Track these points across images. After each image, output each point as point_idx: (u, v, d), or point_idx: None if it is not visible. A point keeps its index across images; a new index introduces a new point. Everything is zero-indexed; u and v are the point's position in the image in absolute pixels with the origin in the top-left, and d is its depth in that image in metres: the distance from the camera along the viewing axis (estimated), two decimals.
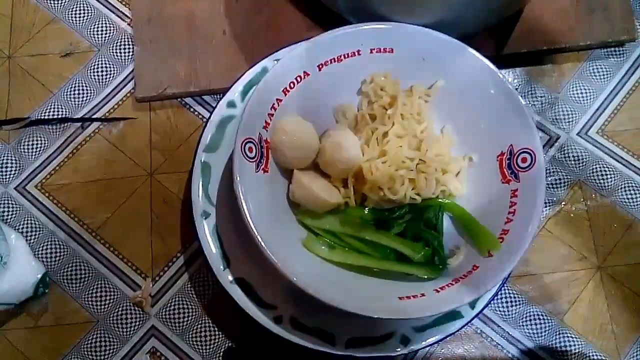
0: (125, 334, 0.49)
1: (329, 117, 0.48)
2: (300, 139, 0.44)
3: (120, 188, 0.53)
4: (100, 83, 0.56)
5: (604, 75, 0.57)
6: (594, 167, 0.54)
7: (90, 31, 0.57)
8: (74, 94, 0.55)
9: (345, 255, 0.44)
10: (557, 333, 0.50)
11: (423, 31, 0.45)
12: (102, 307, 0.50)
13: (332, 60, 0.46)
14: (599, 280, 0.51)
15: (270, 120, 0.44)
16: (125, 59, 0.56)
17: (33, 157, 0.53)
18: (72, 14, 0.58)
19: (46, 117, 0.54)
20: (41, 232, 0.52)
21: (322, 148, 0.45)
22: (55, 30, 0.57)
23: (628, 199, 0.53)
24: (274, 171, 0.45)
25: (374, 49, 0.46)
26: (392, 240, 0.44)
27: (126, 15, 0.58)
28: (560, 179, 0.54)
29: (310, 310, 0.44)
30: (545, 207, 0.53)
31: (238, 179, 0.41)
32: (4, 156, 0.53)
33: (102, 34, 0.57)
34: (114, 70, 0.56)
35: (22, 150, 0.54)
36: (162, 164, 0.53)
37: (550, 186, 0.54)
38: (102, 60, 0.56)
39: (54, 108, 0.55)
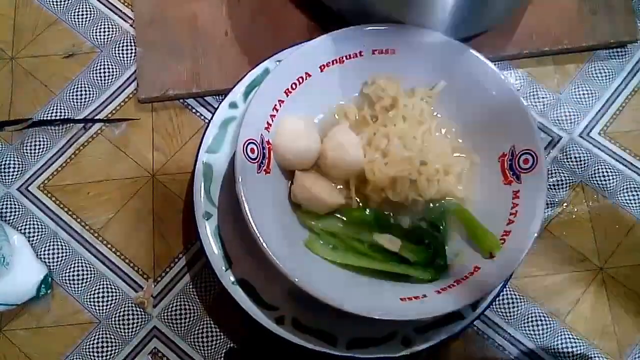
0: (127, 334, 0.49)
1: (330, 118, 0.48)
2: (301, 140, 0.44)
3: (122, 189, 0.53)
4: (103, 84, 0.56)
5: (606, 76, 0.57)
6: (596, 168, 0.54)
7: (92, 32, 0.57)
8: (77, 95, 0.55)
9: (347, 256, 0.44)
10: (559, 334, 0.50)
11: (425, 32, 0.46)
12: (104, 308, 0.50)
13: (334, 62, 0.46)
14: (600, 282, 0.51)
15: (272, 121, 0.44)
16: (127, 60, 0.56)
17: (35, 158, 0.54)
18: (74, 15, 0.58)
19: (49, 118, 0.55)
20: (43, 232, 0.52)
21: (323, 149, 0.45)
22: (58, 32, 0.57)
23: (630, 200, 0.53)
24: (275, 172, 0.45)
25: (375, 50, 0.46)
26: None
27: (129, 17, 0.58)
28: (562, 180, 0.54)
29: (312, 311, 0.44)
30: (547, 208, 0.53)
31: (240, 180, 0.41)
32: (6, 157, 0.54)
33: (104, 35, 0.57)
34: (116, 72, 0.56)
35: (25, 151, 0.54)
36: (164, 164, 0.54)
37: (552, 187, 0.54)
38: (104, 62, 0.56)
39: (56, 109, 0.55)
